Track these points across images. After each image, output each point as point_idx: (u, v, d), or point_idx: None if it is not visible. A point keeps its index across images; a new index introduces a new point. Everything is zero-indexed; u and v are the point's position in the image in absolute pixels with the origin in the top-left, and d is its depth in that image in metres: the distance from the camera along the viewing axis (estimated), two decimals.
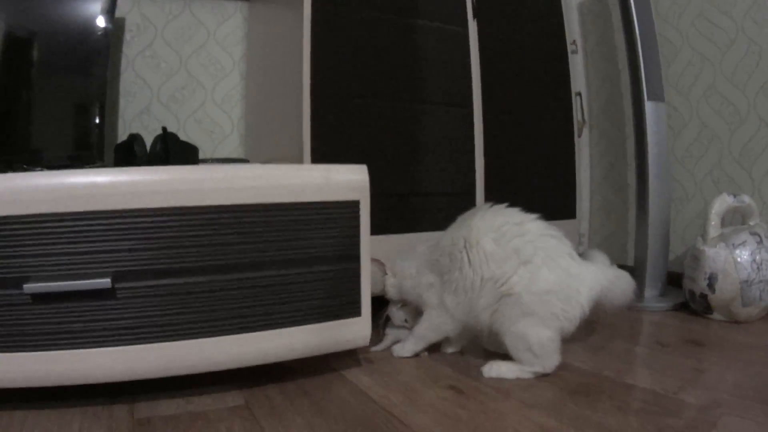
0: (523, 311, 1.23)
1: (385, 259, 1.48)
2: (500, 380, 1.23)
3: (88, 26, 1.61)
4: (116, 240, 1.02)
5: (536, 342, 1.22)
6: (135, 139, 1.55)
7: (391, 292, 1.47)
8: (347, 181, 1.22)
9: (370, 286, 1.28)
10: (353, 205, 1.23)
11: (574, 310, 1.24)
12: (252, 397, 1.14)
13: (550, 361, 1.25)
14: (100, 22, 1.61)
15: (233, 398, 1.13)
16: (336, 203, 1.20)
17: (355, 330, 1.25)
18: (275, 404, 1.10)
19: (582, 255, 1.36)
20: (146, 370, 1.06)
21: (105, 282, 1.01)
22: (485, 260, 1.28)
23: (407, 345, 1.42)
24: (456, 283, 1.32)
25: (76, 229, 1.00)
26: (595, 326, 1.59)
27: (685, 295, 1.84)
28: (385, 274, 1.48)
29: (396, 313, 1.49)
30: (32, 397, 1.09)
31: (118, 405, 1.08)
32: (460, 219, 1.40)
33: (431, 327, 1.38)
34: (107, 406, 1.08)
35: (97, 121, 1.63)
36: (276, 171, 1.15)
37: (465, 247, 1.32)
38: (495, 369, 1.26)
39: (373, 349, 1.46)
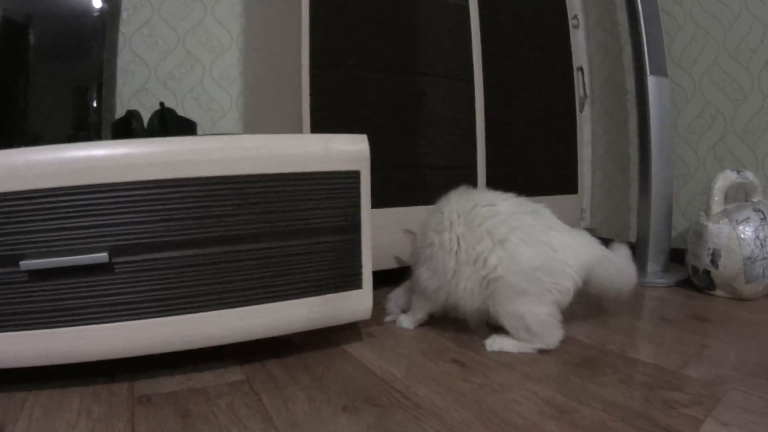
0: (515, 291, 1.22)
1: (388, 232, 1.47)
2: (503, 354, 1.23)
3: (84, 7, 1.60)
4: (113, 214, 1.00)
5: (534, 321, 1.21)
6: (132, 115, 1.54)
7: (412, 260, 1.48)
8: (347, 151, 1.20)
9: (370, 265, 1.27)
10: (354, 176, 1.21)
11: (565, 282, 1.24)
12: (253, 372, 1.13)
13: (552, 337, 1.24)
14: (96, 2, 1.60)
15: (234, 374, 1.12)
16: (336, 173, 1.18)
17: (356, 302, 1.24)
18: (276, 379, 1.09)
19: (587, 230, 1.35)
20: (146, 346, 1.05)
21: (102, 257, 0.99)
22: (457, 243, 1.28)
23: (408, 316, 1.43)
24: (433, 266, 1.32)
25: (72, 203, 0.98)
26: (597, 301, 1.58)
27: (688, 271, 1.83)
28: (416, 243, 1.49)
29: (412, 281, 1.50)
30: (31, 377, 1.08)
31: (117, 383, 1.07)
32: (437, 204, 1.40)
33: (424, 296, 1.38)
34: (107, 384, 1.07)
35: (95, 100, 1.62)
36: (275, 141, 1.13)
37: (437, 230, 1.32)
38: (498, 343, 1.25)
39: (385, 319, 1.48)
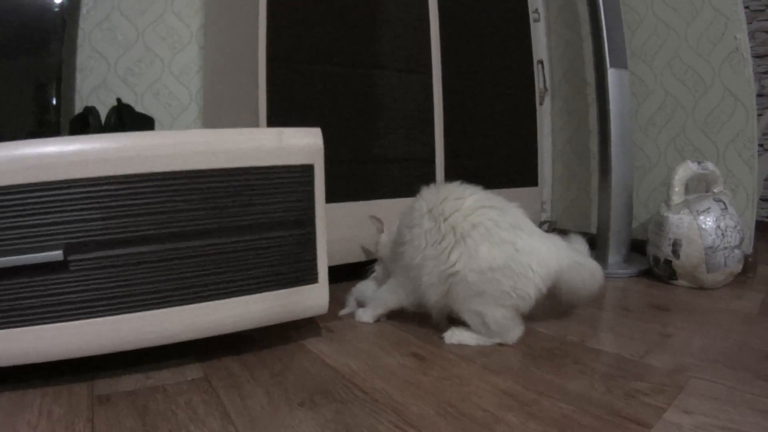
0: (473, 291, 1.20)
1: (345, 226, 1.47)
2: (462, 347, 1.23)
3: (44, 3, 1.57)
4: (67, 211, 0.99)
5: (492, 320, 1.21)
6: (90, 111, 1.51)
7: (380, 251, 1.50)
8: (300, 144, 1.19)
9: (326, 259, 1.26)
10: (307, 169, 1.20)
11: (525, 287, 1.19)
12: (211, 369, 1.12)
13: (511, 334, 1.23)
14: None
15: (192, 371, 1.11)
16: (289, 167, 1.17)
17: (312, 297, 1.23)
18: (234, 376, 1.08)
19: (552, 230, 1.34)
20: (103, 344, 1.03)
21: (57, 254, 0.97)
22: (424, 238, 1.27)
23: (368, 310, 1.42)
24: (403, 259, 1.32)
25: (25, 201, 0.96)
26: (565, 306, 1.59)
27: (649, 261, 1.85)
28: (382, 232, 1.51)
29: (381, 272, 1.51)
30: None
31: (77, 383, 1.06)
32: (413, 199, 1.38)
33: (391, 291, 1.38)
34: (67, 384, 1.05)
35: (54, 98, 1.59)
36: (227, 135, 1.12)
37: (409, 226, 1.31)
38: (456, 336, 1.25)
39: (341, 312, 1.47)
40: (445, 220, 1.25)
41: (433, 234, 1.26)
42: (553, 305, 1.35)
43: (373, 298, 1.43)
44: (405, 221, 1.35)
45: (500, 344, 1.23)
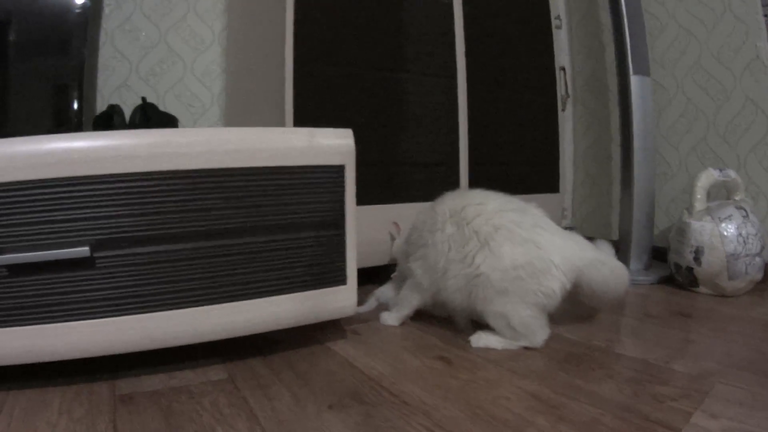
0: (496, 290, 1.20)
1: (370, 229, 1.48)
2: (488, 350, 1.22)
3: (66, 4, 1.58)
4: (95, 207, 0.98)
5: (517, 321, 1.20)
6: (114, 110, 1.52)
7: (395, 254, 1.50)
8: (332, 145, 1.19)
9: (355, 261, 1.25)
10: (338, 170, 1.20)
11: (550, 282, 1.20)
12: (236, 370, 1.11)
13: (537, 336, 1.22)
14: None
15: (217, 372, 1.10)
16: (321, 167, 1.17)
17: (340, 299, 1.22)
18: (260, 377, 1.07)
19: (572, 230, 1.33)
20: (128, 343, 1.02)
21: (84, 251, 0.97)
22: (447, 243, 1.28)
23: (392, 313, 1.42)
24: (427, 264, 1.32)
25: (53, 196, 0.96)
26: (589, 309, 1.58)
27: (671, 268, 1.84)
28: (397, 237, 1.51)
29: (400, 275, 1.50)
30: (11, 376, 1.05)
31: (99, 382, 1.05)
32: (433, 203, 1.39)
33: (412, 291, 1.38)
34: (88, 383, 1.04)
35: (76, 97, 1.59)
36: (259, 134, 1.11)
37: (431, 230, 1.32)
38: (483, 339, 1.24)
39: (358, 309, 1.44)
40: (468, 224, 1.26)
41: (456, 239, 1.27)
42: (577, 309, 1.34)
43: (396, 301, 1.43)
44: (426, 225, 1.35)
45: (526, 348, 1.22)
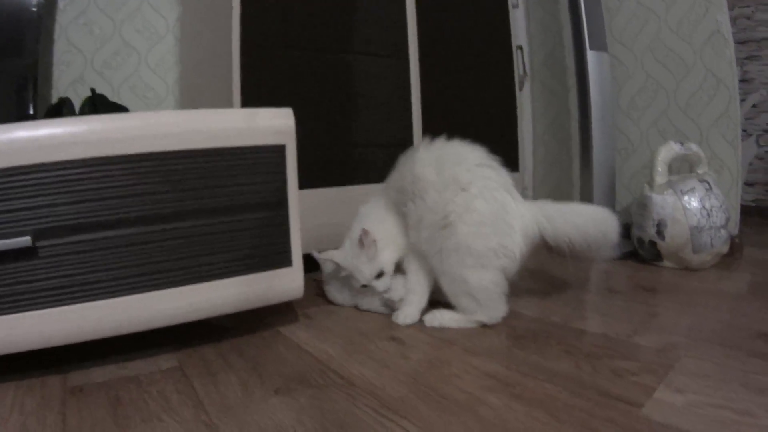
0: (461, 245, 1.19)
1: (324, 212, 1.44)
2: (444, 330, 1.21)
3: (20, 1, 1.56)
4: (35, 196, 0.96)
5: (477, 286, 1.19)
6: (64, 102, 1.50)
7: (391, 265, 1.33)
8: (272, 125, 1.17)
9: (299, 242, 1.23)
10: (279, 150, 1.18)
11: (511, 245, 1.21)
12: (186, 358, 1.10)
13: (495, 310, 1.22)
14: None
15: (167, 360, 1.09)
16: (261, 148, 1.15)
17: (287, 281, 1.21)
18: (209, 364, 1.06)
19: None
20: (75, 332, 1.01)
21: (25, 240, 0.95)
22: (427, 190, 1.26)
23: (408, 307, 1.29)
24: (411, 217, 1.29)
25: None
26: (539, 275, 1.57)
27: (634, 243, 1.83)
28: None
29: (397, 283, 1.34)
30: None
31: (51, 375, 1.04)
32: (405, 156, 1.37)
33: (416, 275, 1.31)
34: (40, 377, 1.03)
35: (31, 93, 1.57)
36: (197, 115, 1.10)
37: (411, 180, 1.29)
38: (438, 318, 1.23)
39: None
40: (447, 171, 1.26)
41: (436, 185, 1.25)
42: (532, 282, 1.33)
43: (406, 294, 1.31)
44: (404, 177, 1.32)
45: (483, 326, 1.22)
